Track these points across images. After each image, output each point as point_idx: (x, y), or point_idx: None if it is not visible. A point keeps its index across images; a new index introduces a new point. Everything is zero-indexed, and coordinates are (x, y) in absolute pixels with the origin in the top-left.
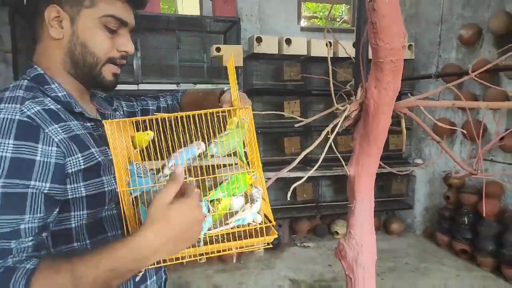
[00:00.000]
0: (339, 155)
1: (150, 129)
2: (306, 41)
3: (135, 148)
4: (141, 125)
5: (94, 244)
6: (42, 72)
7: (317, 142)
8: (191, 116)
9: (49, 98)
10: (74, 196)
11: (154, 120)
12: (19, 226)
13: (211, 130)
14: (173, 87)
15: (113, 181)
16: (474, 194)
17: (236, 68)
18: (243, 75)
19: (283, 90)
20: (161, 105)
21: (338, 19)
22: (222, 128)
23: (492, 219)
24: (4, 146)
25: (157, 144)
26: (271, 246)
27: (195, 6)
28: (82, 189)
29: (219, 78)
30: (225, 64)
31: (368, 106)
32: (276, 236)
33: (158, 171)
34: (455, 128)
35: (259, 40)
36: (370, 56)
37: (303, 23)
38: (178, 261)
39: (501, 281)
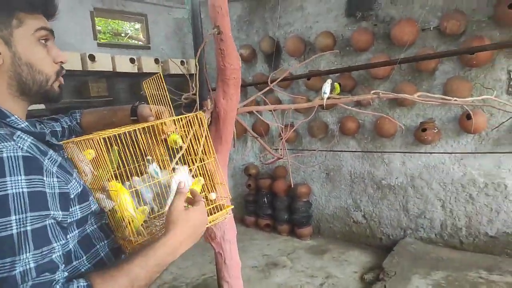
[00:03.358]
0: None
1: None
2: (111, 57)
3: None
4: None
5: (89, 259)
6: None
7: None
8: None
9: (19, 132)
10: (72, 219)
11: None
12: (52, 256)
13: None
14: None
15: (94, 199)
16: (268, 178)
17: None
18: None
19: (90, 107)
20: (64, 125)
21: (123, 34)
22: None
23: (283, 194)
24: (18, 182)
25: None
26: (231, 214)
27: None
28: (78, 212)
29: None
30: None
31: (219, 113)
32: (232, 206)
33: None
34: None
35: None
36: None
37: (99, 39)
38: None
39: (296, 239)
